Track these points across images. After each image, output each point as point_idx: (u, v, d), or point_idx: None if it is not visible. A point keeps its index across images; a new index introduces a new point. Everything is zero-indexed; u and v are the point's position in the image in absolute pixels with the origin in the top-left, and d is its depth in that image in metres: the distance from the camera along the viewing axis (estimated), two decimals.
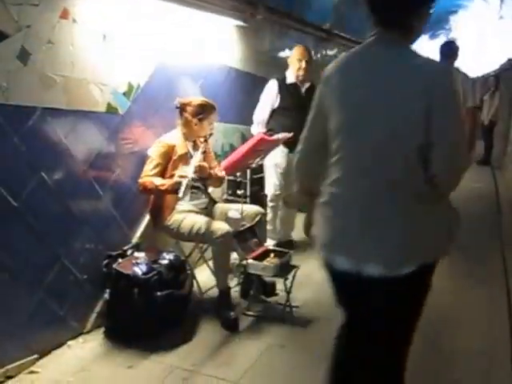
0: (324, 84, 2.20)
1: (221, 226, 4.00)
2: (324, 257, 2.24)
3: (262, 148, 4.64)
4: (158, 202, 4.14)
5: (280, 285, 4.31)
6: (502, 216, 7.03)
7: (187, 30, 4.60)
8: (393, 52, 2.05)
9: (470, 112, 5.69)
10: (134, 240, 4.23)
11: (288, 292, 4.13)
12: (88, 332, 3.85)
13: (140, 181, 4.01)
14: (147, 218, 4.33)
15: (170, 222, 4.10)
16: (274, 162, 5.42)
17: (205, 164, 4.10)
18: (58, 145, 3.43)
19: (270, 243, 5.21)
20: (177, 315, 3.88)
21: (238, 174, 5.11)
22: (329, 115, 2.15)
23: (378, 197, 2.05)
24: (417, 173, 2.02)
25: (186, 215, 4.11)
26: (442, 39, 13.93)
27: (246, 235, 4.28)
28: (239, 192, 5.01)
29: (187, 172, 3.91)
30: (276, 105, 5.36)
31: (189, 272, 4.12)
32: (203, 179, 4.20)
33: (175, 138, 4.21)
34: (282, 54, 5.78)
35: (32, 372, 3.34)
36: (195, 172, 3.95)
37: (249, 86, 5.69)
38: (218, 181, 4.48)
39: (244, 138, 5.60)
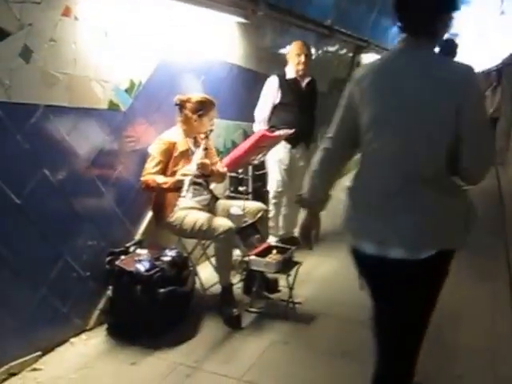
0: (355, 84, 2.36)
1: (223, 223, 4.00)
2: (352, 243, 2.41)
3: (264, 144, 4.64)
4: (160, 199, 4.15)
5: (283, 281, 4.33)
6: (506, 211, 7.02)
7: (189, 26, 4.60)
8: (421, 55, 2.21)
9: None
10: (137, 237, 4.24)
11: (291, 288, 4.14)
12: (91, 329, 3.86)
13: (142, 179, 4.02)
14: (150, 214, 4.33)
15: (173, 219, 4.11)
16: (278, 158, 5.41)
17: (207, 161, 4.10)
18: (61, 142, 3.43)
19: (271, 240, 5.21)
20: (179, 312, 3.89)
21: (240, 170, 5.11)
22: (360, 112, 2.30)
23: (404, 188, 2.20)
24: (441, 167, 2.18)
25: (188, 212, 4.12)
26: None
27: (249, 232, 4.28)
28: (241, 188, 5.01)
29: (190, 170, 3.92)
30: (277, 101, 5.36)
31: (191, 269, 4.13)
32: (205, 176, 4.20)
33: (176, 134, 4.21)
34: (283, 51, 5.77)
35: (35, 369, 3.35)
36: (197, 169, 3.95)
37: (250, 82, 5.68)
38: (220, 177, 4.48)
39: (246, 135, 5.59)
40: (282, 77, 5.38)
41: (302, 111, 5.39)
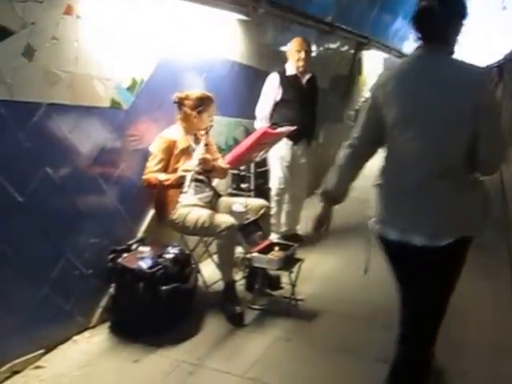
0: (378, 88, 2.58)
1: (225, 220, 4.01)
2: (379, 230, 2.62)
3: (266, 141, 4.64)
4: (162, 197, 4.15)
5: (285, 278, 4.32)
6: (508, 208, 7.00)
7: (190, 24, 4.59)
8: (439, 59, 2.45)
9: None
10: (139, 234, 4.24)
11: (293, 285, 4.15)
12: (94, 327, 3.86)
13: (144, 177, 4.03)
14: (152, 212, 4.33)
15: (175, 216, 4.11)
16: (279, 155, 5.41)
17: (208, 156, 4.10)
18: (63, 140, 3.44)
19: (273, 237, 5.20)
20: (182, 309, 3.89)
21: (242, 167, 5.12)
22: (384, 114, 2.52)
23: (425, 182, 2.43)
24: (459, 162, 2.41)
25: (190, 209, 4.12)
26: None
27: (251, 228, 4.28)
28: (243, 185, 5.02)
29: (191, 165, 3.93)
30: (278, 98, 5.35)
31: (194, 266, 4.13)
32: (207, 172, 4.20)
33: (176, 132, 4.22)
34: (284, 48, 5.77)
35: (38, 367, 3.35)
36: (199, 165, 3.96)
37: (252, 79, 5.67)
38: (222, 172, 4.48)
39: (247, 132, 5.59)
40: (282, 74, 5.37)
41: (303, 108, 5.39)
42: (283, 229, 5.66)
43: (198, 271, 4.30)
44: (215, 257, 4.36)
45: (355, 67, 9.85)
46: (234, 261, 4.30)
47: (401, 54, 12.25)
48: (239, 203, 4.40)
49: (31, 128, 3.17)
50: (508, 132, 11.29)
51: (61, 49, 3.31)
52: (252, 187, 5.33)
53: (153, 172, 4.01)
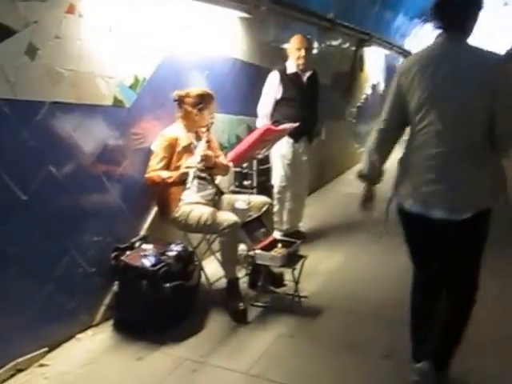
0: (402, 74, 2.79)
1: (228, 217, 4.01)
2: (402, 205, 2.86)
3: (269, 138, 4.63)
4: (165, 195, 4.15)
5: (288, 275, 4.33)
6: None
7: (192, 22, 4.60)
8: (459, 46, 2.67)
9: None
10: (142, 232, 4.25)
11: (296, 282, 4.15)
12: (97, 324, 3.87)
13: (147, 176, 4.04)
14: (155, 210, 4.34)
15: (178, 214, 4.11)
16: (280, 153, 5.41)
17: (210, 153, 4.10)
18: (66, 139, 3.44)
19: (275, 235, 5.19)
20: (185, 307, 3.90)
21: (245, 164, 5.12)
22: (409, 99, 2.75)
23: (446, 160, 2.66)
24: (478, 141, 2.64)
25: (193, 207, 4.12)
26: None
27: (254, 226, 4.28)
28: (246, 183, 5.02)
29: (193, 162, 3.93)
30: (279, 96, 5.35)
31: (197, 263, 4.13)
32: (209, 168, 4.19)
33: (177, 130, 4.22)
34: (286, 45, 5.76)
35: (42, 365, 3.36)
36: (201, 161, 3.96)
37: (254, 77, 5.67)
38: (224, 169, 4.46)
39: (249, 129, 5.58)
40: (283, 72, 5.37)
41: (304, 106, 5.38)
42: (285, 226, 5.66)
43: (201, 269, 4.30)
44: (218, 254, 4.36)
45: (357, 64, 9.83)
46: (237, 258, 4.30)
47: (402, 51, 12.25)
48: (242, 200, 4.40)
49: (34, 126, 3.18)
50: None
51: (63, 47, 3.32)
52: (255, 184, 5.32)
53: (155, 170, 4.02)
